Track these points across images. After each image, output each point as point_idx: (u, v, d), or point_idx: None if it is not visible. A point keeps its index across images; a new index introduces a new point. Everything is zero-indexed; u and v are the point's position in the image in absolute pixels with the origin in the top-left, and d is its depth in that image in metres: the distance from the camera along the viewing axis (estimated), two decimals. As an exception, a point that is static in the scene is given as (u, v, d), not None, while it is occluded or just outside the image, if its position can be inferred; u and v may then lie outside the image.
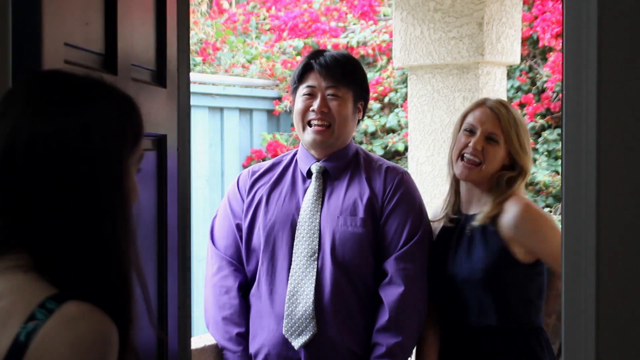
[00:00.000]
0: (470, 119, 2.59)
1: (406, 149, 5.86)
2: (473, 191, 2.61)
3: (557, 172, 5.70)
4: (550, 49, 6.20)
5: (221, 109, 6.34)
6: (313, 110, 2.64)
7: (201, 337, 2.93)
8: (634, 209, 1.74)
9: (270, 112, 6.88)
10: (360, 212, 2.59)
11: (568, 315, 1.79)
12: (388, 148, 6.58)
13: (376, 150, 6.51)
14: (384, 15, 7.40)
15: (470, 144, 2.54)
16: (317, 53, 2.73)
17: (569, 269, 1.78)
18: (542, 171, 5.83)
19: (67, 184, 1.20)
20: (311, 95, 2.66)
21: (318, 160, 2.69)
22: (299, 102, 2.68)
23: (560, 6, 3.70)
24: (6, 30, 1.64)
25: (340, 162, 2.69)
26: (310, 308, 2.53)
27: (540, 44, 6.25)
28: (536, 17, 6.24)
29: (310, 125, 2.66)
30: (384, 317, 2.55)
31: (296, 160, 2.74)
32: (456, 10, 4.02)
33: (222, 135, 6.33)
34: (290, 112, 6.90)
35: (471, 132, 2.56)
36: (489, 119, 2.57)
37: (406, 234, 2.59)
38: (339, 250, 2.57)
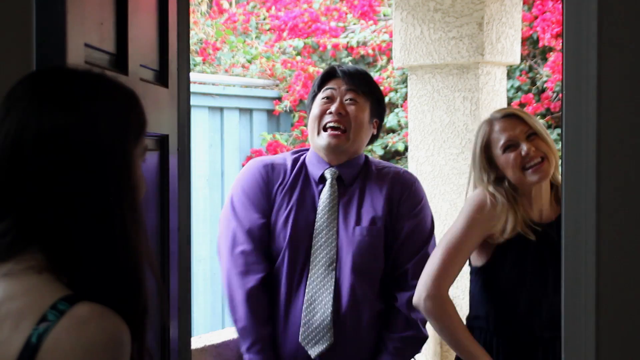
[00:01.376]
0: (500, 138, 2.49)
1: (406, 149, 5.85)
2: (541, 194, 2.52)
3: (557, 172, 5.69)
4: (550, 49, 6.20)
5: (221, 109, 6.34)
6: (330, 113, 2.63)
7: (201, 337, 2.93)
8: (634, 209, 1.74)
9: (270, 112, 6.88)
10: (379, 222, 2.58)
11: (568, 315, 1.79)
12: (388, 148, 6.58)
13: (376, 150, 6.51)
14: (384, 15, 7.40)
15: (524, 152, 2.45)
16: (337, 65, 2.76)
17: (569, 268, 1.78)
18: (542, 171, 5.83)
19: (75, 178, 1.20)
20: (329, 99, 2.65)
21: (329, 165, 2.66)
22: (317, 107, 2.67)
23: (560, 6, 3.70)
24: (30, 31, 1.63)
25: (354, 170, 2.68)
26: (329, 318, 2.52)
27: (540, 44, 6.25)
28: (536, 17, 6.23)
29: (325, 130, 2.64)
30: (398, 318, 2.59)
31: (305, 166, 2.70)
32: (456, 10, 4.02)
33: (222, 135, 6.33)
34: (290, 112, 6.91)
35: (512, 146, 2.48)
36: (515, 124, 2.50)
37: (421, 241, 2.61)
38: (358, 261, 2.55)
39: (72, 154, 1.20)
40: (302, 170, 2.69)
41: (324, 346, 2.52)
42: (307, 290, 2.55)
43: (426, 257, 2.52)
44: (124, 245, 1.22)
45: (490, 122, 2.55)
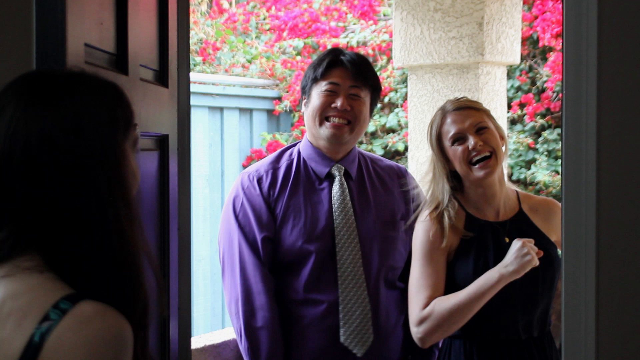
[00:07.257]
0: (450, 131, 2.47)
1: (406, 149, 5.86)
2: (494, 192, 2.48)
3: (557, 172, 5.70)
4: (550, 49, 6.20)
5: (221, 109, 6.34)
6: (335, 108, 2.58)
7: (201, 337, 2.93)
8: (634, 209, 1.74)
9: (270, 112, 6.88)
10: (396, 217, 2.63)
11: (568, 315, 1.79)
12: (388, 148, 6.58)
13: (376, 150, 6.51)
14: (384, 15, 7.39)
15: (471, 146, 2.41)
16: (339, 51, 2.68)
17: (569, 269, 1.78)
18: (542, 171, 5.83)
19: (66, 180, 1.21)
20: (333, 93, 2.60)
21: (334, 161, 2.64)
22: (319, 97, 2.60)
23: (560, 6, 3.70)
24: (30, 31, 1.63)
25: (355, 163, 2.67)
26: (368, 315, 2.53)
27: (540, 44, 6.25)
28: (536, 17, 6.23)
29: (328, 120, 2.60)
30: None
31: (304, 162, 2.65)
32: (456, 10, 4.02)
33: (222, 135, 6.33)
34: (290, 112, 6.90)
35: (461, 139, 2.45)
36: (466, 116, 2.46)
37: None
38: (385, 256, 2.59)
39: (61, 156, 1.21)
40: (299, 169, 2.65)
41: (368, 344, 2.53)
42: (340, 290, 2.53)
43: None
44: (119, 241, 1.22)
45: (443, 113, 2.53)
